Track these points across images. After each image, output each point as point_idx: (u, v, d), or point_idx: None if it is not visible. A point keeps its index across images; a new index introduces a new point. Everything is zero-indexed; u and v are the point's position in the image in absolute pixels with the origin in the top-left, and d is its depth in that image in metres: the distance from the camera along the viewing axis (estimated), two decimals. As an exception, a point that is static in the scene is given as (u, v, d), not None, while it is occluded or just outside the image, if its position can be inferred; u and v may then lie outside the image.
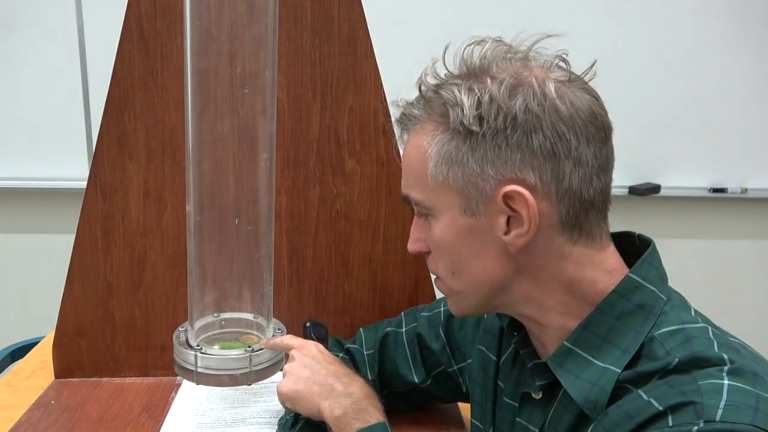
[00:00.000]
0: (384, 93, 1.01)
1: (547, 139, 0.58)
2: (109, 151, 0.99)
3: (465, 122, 0.59)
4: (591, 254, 0.62)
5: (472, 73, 0.61)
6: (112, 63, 0.97)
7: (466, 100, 0.59)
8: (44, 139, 2.08)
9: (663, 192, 2.22)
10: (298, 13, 0.98)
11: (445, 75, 0.63)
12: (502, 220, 0.60)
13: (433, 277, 0.71)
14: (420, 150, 0.63)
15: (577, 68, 0.63)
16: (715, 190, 2.24)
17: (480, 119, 0.58)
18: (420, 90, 0.64)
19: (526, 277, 0.63)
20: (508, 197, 0.59)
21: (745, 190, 2.24)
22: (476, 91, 0.59)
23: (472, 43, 0.62)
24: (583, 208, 0.60)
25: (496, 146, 0.59)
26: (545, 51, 0.63)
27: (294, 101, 1.00)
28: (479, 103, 0.58)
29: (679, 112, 2.17)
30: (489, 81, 0.59)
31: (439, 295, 1.00)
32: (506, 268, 0.62)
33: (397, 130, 0.68)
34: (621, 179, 2.18)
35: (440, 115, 0.61)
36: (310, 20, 0.98)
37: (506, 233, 0.60)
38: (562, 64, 0.62)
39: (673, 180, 2.23)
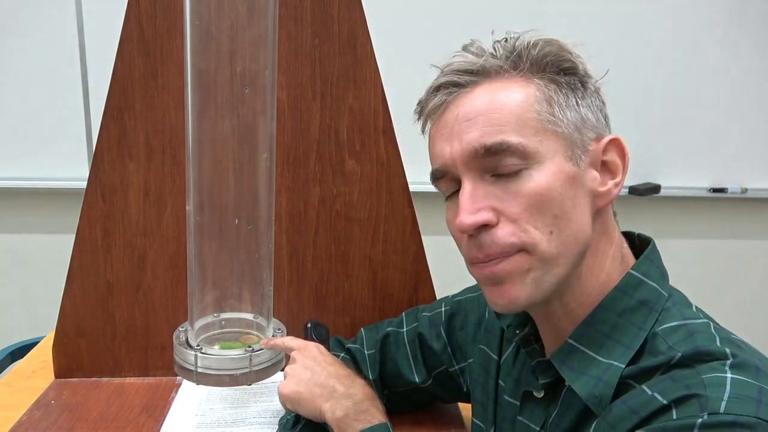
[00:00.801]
0: (384, 93, 1.01)
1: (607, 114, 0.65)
2: (109, 151, 0.99)
3: (583, 69, 0.63)
4: (618, 230, 0.66)
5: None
6: (112, 63, 0.97)
7: (575, 58, 0.63)
8: (44, 139, 2.08)
9: (663, 192, 2.22)
10: (298, 13, 0.98)
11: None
12: (596, 172, 0.62)
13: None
14: (524, 93, 0.61)
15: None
16: (715, 190, 2.24)
17: (589, 75, 0.64)
18: (526, 46, 0.63)
19: (591, 247, 0.63)
20: (607, 149, 0.62)
21: (745, 190, 2.24)
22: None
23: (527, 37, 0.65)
24: None
25: (597, 101, 0.64)
26: None
27: (294, 101, 1.00)
28: (584, 63, 0.64)
29: (679, 112, 2.17)
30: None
31: (439, 295, 1.00)
32: (591, 229, 0.62)
33: (448, 89, 0.64)
34: (621, 179, 2.18)
35: (550, 63, 0.62)
36: (310, 20, 0.98)
37: (601, 184, 0.62)
38: None
39: (673, 180, 2.23)
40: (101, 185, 1.00)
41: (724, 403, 0.50)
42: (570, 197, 0.60)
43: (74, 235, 1.01)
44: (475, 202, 0.60)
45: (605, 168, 0.63)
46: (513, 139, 0.59)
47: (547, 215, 0.59)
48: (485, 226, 0.60)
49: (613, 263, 0.63)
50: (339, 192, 1.03)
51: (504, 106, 0.60)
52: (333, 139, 1.02)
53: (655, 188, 2.21)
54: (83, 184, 1.00)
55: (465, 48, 0.65)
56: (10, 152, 2.10)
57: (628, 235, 0.68)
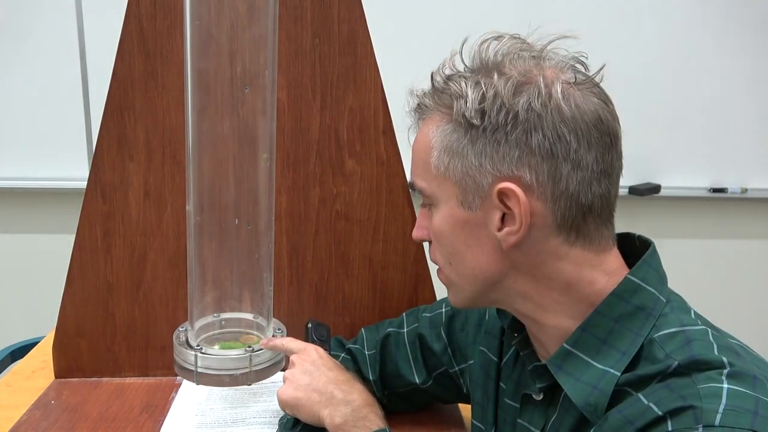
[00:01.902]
0: (384, 93, 1.01)
1: (547, 139, 0.58)
2: (109, 151, 0.99)
3: (467, 115, 0.59)
4: (589, 256, 0.61)
5: (483, 68, 0.61)
6: (112, 63, 0.97)
7: (471, 94, 0.59)
8: (44, 139, 2.08)
9: (663, 192, 2.22)
10: (298, 13, 0.98)
11: (464, 68, 0.64)
12: (497, 216, 0.61)
13: (434, 268, 0.72)
14: (426, 139, 0.64)
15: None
16: (715, 190, 2.24)
17: (482, 113, 0.59)
18: (432, 81, 0.65)
19: (521, 274, 0.63)
20: (502, 194, 0.59)
21: (745, 190, 2.24)
22: (482, 85, 0.59)
23: (490, 38, 0.63)
24: (581, 212, 0.60)
25: (496, 142, 0.59)
26: (561, 52, 0.62)
27: (294, 101, 1.00)
28: (483, 97, 0.58)
29: (679, 112, 2.17)
30: (496, 77, 0.59)
31: (440, 295, 1.00)
32: (500, 264, 0.63)
33: (413, 118, 0.69)
34: (621, 179, 2.18)
35: (446, 106, 0.62)
36: (310, 20, 0.98)
37: (499, 229, 0.61)
38: (579, 66, 0.62)
39: (673, 180, 2.23)
40: (101, 185, 1.00)
41: (719, 416, 0.49)
42: (461, 240, 0.64)
43: (74, 235, 1.01)
44: (420, 220, 0.70)
45: (509, 214, 0.60)
46: (419, 182, 0.67)
47: (444, 250, 0.67)
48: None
49: (590, 282, 0.61)
50: (339, 192, 1.03)
51: (417, 150, 0.67)
52: (333, 139, 1.02)
53: (655, 188, 2.21)
54: (83, 184, 1.00)
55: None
56: (10, 152, 2.10)
57: (627, 237, 0.67)
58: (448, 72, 0.64)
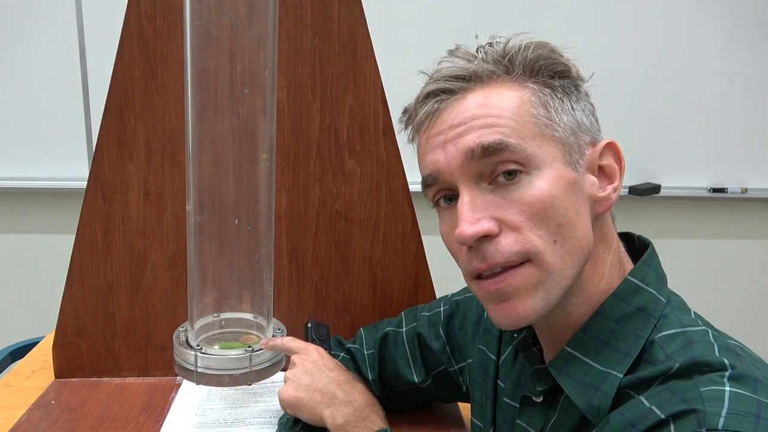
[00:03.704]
0: (384, 93, 1.01)
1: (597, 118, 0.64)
2: (109, 151, 0.99)
3: (576, 73, 0.62)
4: (616, 235, 0.65)
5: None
6: (112, 63, 0.97)
7: (566, 60, 0.62)
8: (44, 139, 2.08)
9: (663, 192, 2.22)
10: (298, 13, 0.98)
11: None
12: (594, 177, 0.61)
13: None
14: (516, 98, 0.59)
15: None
16: (715, 190, 2.24)
17: (582, 78, 0.63)
18: (502, 48, 0.61)
19: (591, 255, 0.61)
20: (603, 153, 0.61)
21: (745, 190, 2.24)
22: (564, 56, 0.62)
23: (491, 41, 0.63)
24: None
25: (589, 104, 0.63)
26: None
27: (294, 101, 1.00)
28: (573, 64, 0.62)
29: (679, 112, 2.17)
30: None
31: (439, 295, 1.00)
32: (592, 234, 0.60)
33: (454, 85, 0.61)
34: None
35: (540, 68, 0.60)
36: (310, 20, 0.98)
37: (599, 189, 0.61)
38: None
39: (673, 180, 2.23)
40: (101, 185, 1.00)
41: (722, 419, 0.49)
42: (572, 204, 0.58)
43: (74, 235, 1.01)
44: (474, 212, 0.58)
45: (602, 173, 0.61)
46: (511, 140, 0.57)
47: (551, 224, 0.57)
48: (486, 237, 0.57)
49: (612, 269, 0.62)
50: (339, 192, 1.03)
51: (500, 109, 0.58)
52: (333, 139, 1.02)
53: (655, 188, 2.21)
54: (83, 184, 1.00)
55: (452, 53, 0.63)
56: (10, 152, 2.10)
57: (627, 236, 0.67)
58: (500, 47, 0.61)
